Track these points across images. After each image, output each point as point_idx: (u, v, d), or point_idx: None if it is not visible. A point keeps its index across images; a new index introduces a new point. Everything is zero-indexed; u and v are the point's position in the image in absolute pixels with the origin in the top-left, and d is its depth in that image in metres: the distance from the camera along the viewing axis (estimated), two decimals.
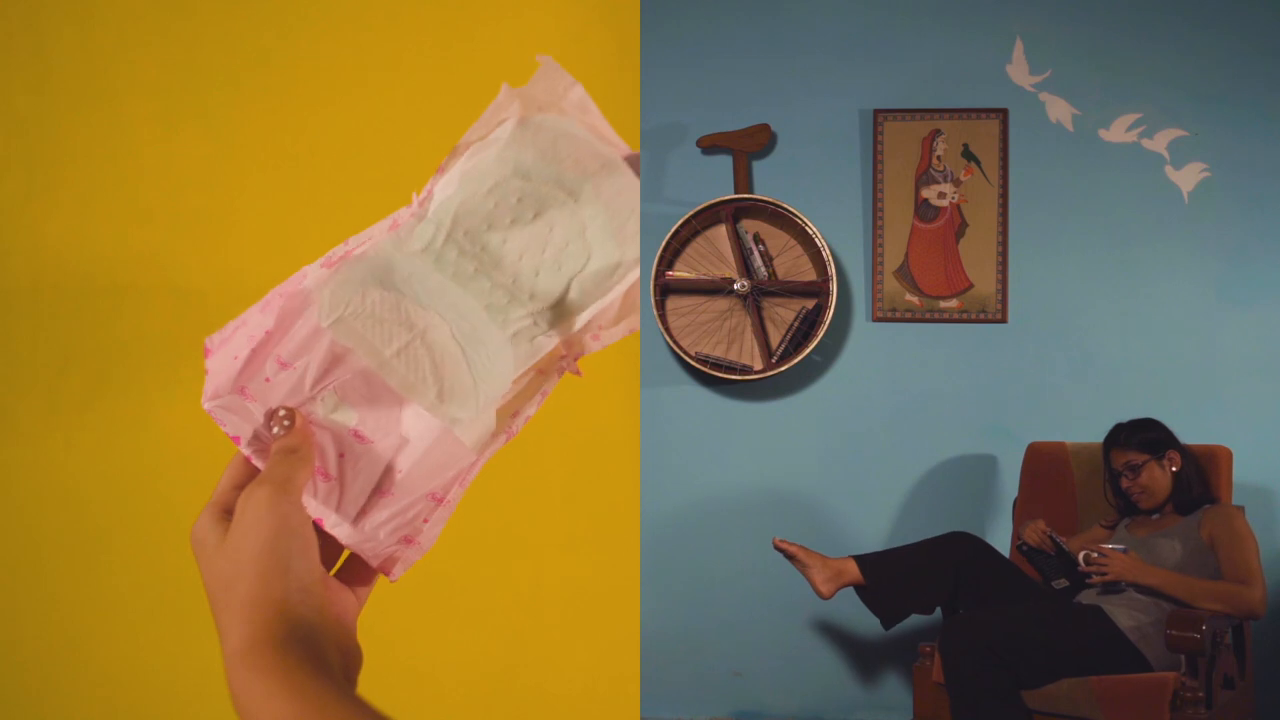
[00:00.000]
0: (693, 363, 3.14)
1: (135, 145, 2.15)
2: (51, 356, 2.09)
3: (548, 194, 0.90)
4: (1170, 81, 3.16)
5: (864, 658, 3.25)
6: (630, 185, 0.90)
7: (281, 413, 0.87)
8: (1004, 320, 3.20)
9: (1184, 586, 2.45)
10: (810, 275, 3.19)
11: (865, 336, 3.24)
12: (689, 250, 3.21)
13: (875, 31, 3.24)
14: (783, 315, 3.21)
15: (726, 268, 3.20)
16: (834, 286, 3.10)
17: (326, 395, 0.89)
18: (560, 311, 0.92)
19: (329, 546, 0.92)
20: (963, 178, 3.20)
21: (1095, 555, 2.51)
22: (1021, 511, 2.95)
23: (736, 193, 3.18)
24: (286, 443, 0.87)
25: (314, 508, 0.90)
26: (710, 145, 3.21)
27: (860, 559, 2.65)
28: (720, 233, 3.21)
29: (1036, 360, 3.20)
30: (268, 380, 0.90)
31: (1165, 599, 2.46)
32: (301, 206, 2.16)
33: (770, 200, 3.13)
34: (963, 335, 3.21)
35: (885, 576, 2.63)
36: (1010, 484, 3.13)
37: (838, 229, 3.21)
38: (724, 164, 3.22)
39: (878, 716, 3.21)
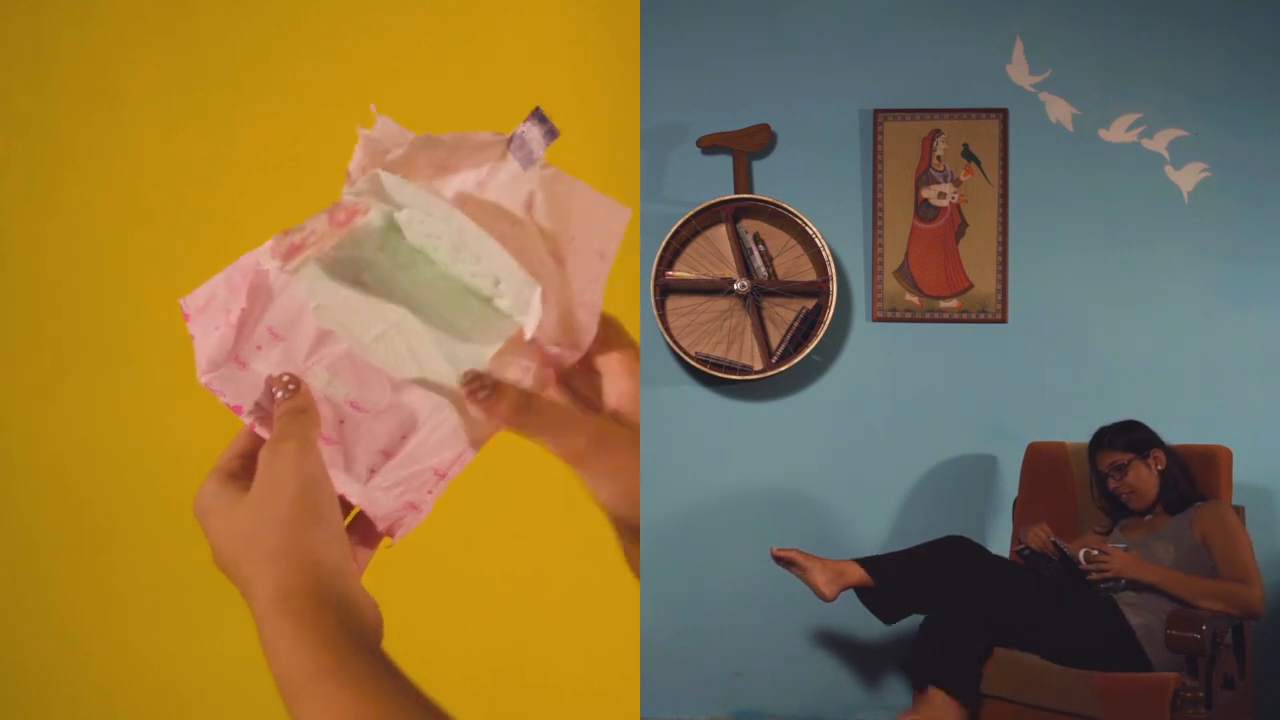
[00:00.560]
0: (693, 363, 3.14)
1: (135, 145, 2.15)
2: (52, 356, 2.09)
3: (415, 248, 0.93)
4: (1170, 81, 3.16)
5: (864, 658, 3.25)
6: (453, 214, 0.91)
7: (285, 378, 0.89)
8: (1004, 320, 3.20)
9: (1184, 585, 2.45)
10: (810, 275, 3.19)
11: (865, 336, 3.24)
12: (689, 250, 3.21)
13: (875, 31, 3.24)
14: (783, 315, 3.21)
15: (726, 268, 3.21)
16: (834, 286, 3.10)
17: (318, 370, 0.91)
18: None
19: None
20: (963, 178, 3.20)
21: (1096, 553, 2.51)
22: (1021, 512, 2.95)
23: (736, 193, 3.18)
24: (294, 404, 0.88)
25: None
26: (710, 145, 3.21)
27: (863, 561, 2.65)
28: (720, 233, 3.21)
29: (1036, 360, 3.20)
30: (260, 349, 0.92)
31: (1164, 597, 2.46)
32: (302, 207, 2.14)
33: (770, 200, 3.13)
34: (963, 335, 3.21)
35: (890, 575, 2.63)
36: (1010, 484, 3.13)
37: (838, 229, 3.21)
38: (724, 164, 3.22)
39: (878, 717, 3.21)
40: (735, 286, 3.14)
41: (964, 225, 3.19)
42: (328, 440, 0.92)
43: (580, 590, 1.95)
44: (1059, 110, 3.19)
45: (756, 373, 3.15)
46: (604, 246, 0.93)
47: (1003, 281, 3.19)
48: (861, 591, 2.65)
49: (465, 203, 0.91)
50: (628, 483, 0.88)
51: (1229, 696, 2.45)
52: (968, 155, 3.20)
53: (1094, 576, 2.50)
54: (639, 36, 3.23)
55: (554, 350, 0.93)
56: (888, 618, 2.64)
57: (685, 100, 3.24)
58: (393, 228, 0.92)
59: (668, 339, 3.13)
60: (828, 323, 3.10)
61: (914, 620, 2.87)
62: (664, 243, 3.11)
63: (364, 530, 0.93)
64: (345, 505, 0.93)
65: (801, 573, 2.64)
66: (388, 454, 0.92)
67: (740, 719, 3.26)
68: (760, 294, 3.18)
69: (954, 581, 2.52)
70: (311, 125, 2.00)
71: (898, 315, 3.22)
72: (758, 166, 3.23)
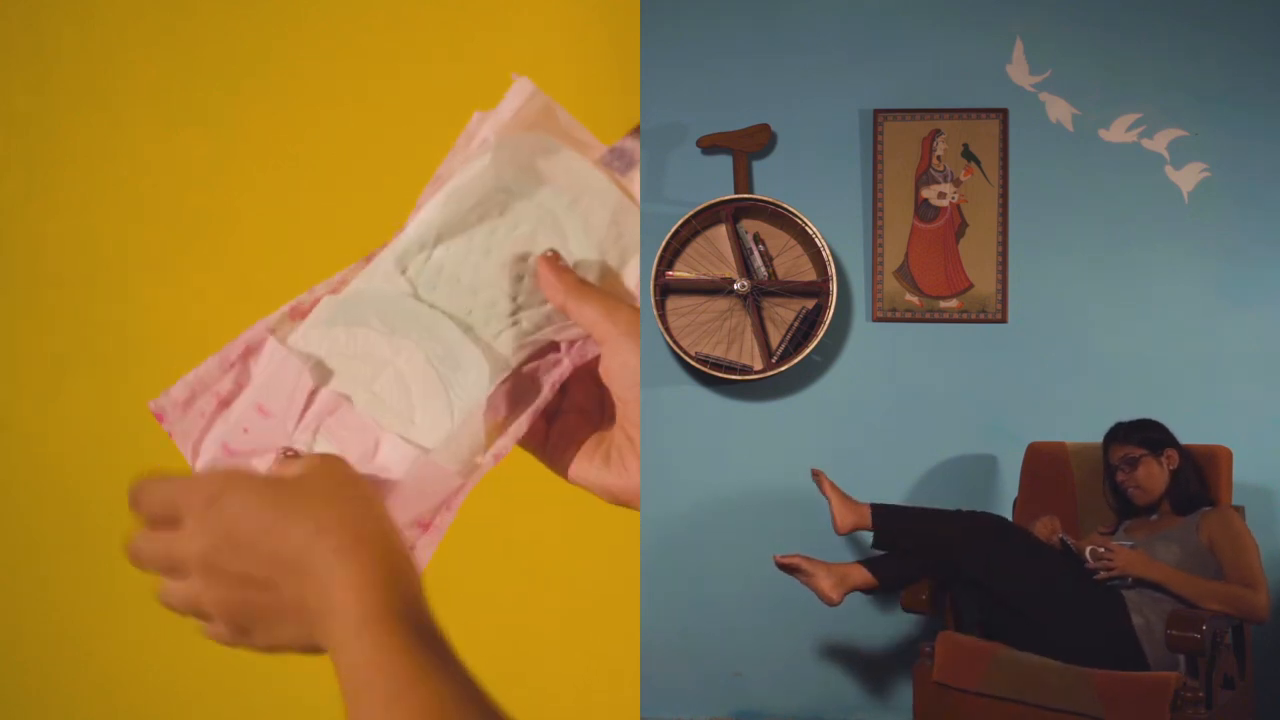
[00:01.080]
0: (693, 363, 3.14)
1: (135, 145, 2.15)
2: (52, 356, 2.09)
3: (529, 207, 0.93)
4: (1170, 81, 3.16)
5: (864, 658, 3.25)
6: (606, 193, 0.93)
7: (289, 453, 0.90)
8: (1004, 320, 3.20)
9: (1189, 585, 2.45)
10: (810, 275, 3.19)
11: (865, 336, 3.24)
12: (689, 250, 3.21)
13: (875, 31, 3.24)
14: (783, 315, 3.21)
15: (726, 268, 3.21)
16: (834, 286, 3.10)
17: (303, 436, 0.92)
18: (549, 314, 0.94)
19: None
20: (963, 178, 3.20)
21: (1101, 550, 2.51)
22: (1021, 511, 2.95)
23: (736, 193, 3.18)
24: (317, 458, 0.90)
25: None
26: (710, 145, 3.21)
27: (866, 561, 2.64)
28: (720, 233, 3.21)
29: (1036, 360, 3.20)
30: (246, 430, 0.92)
31: (1169, 596, 2.46)
32: (302, 207, 2.15)
33: (770, 200, 3.13)
34: (963, 335, 3.21)
35: (893, 575, 2.62)
36: (1010, 484, 3.13)
37: (838, 229, 3.21)
38: (724, 164, 3.22)
39: (878, 717, 3.21)
40: (735, 286, 3.15)
41: (964, 225, 3.19)
42: None
43: (580, 590, 1.95)
44: (1059, 110, 3.19)
45: (756, 373, 3.15)
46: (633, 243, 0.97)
47: (1003, 281, 3.19)
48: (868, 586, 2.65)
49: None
50: (635, 364, 0.91)
51: (1229, 696, 2.45)
52: (968, 155, 3.20)
53: (1100, 575, 2.50)
54: (639, 36, 3.23)
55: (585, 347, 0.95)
56: (886, 581, 2.65)
57: (685, 100, 3.24)
58: (420, 246, 0.92)
59: (668, 339, 3.13)
60: (828, 323, 3.10)
61: (914, 620, 2.87)
62: (664, 243, 3.11)
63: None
64: None
65: (806, 579, 2.63)
66: None
67: (740, 719, 3.26)
68: (760, 294, 3.18)
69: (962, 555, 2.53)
70: (312, 125, 2.00)
71: (898, 315, 3.22)
72: (758, 166, 3.23)
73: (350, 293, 0.92)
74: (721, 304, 3.21)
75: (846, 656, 3.25)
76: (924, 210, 3.20)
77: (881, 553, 2.67)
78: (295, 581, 0.80)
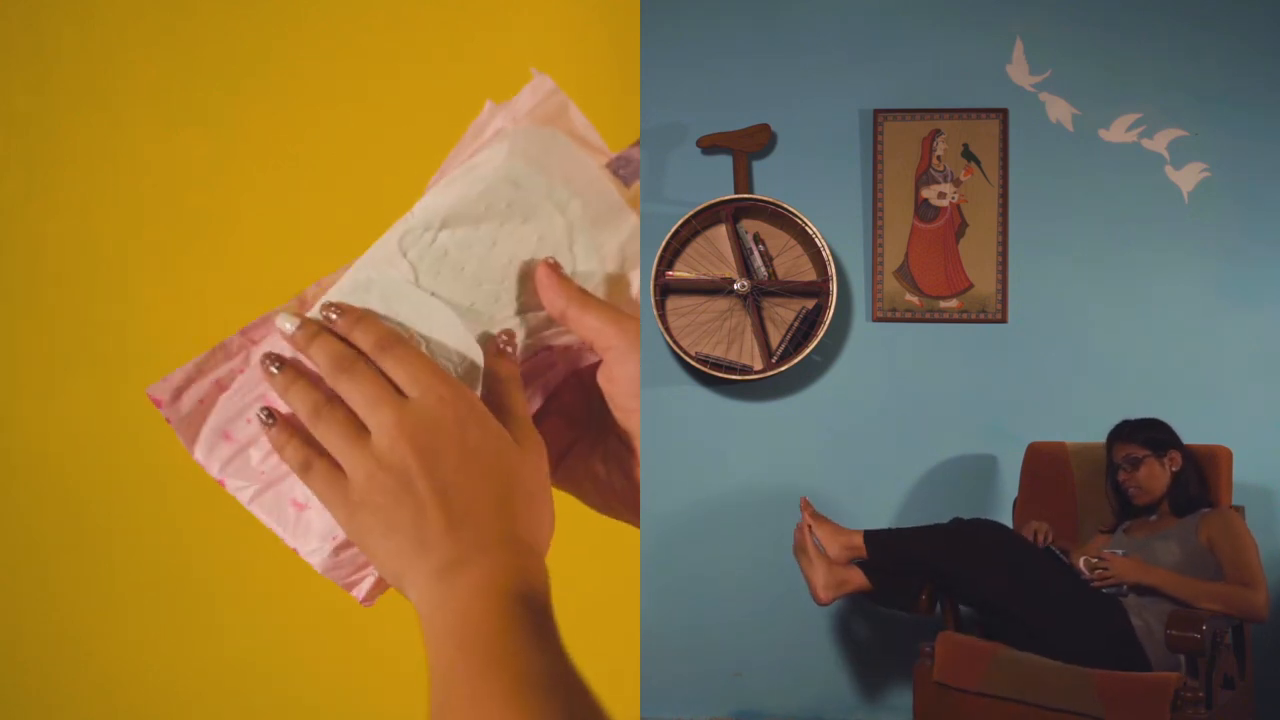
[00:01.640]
0: (693, 363, 3.14)
1: (135, 145, 2.14)
2: (52, 356, 2.08)
3: (537, 204, 0.91)
4: (1170, 81, 3.16)
5: (864, 658, 3.25)
6: (621, 210, 0.93)
7: (271, 358, 0.88)
8: (1004, 320, 3.20)
9: (1186, 587, 2.45)
10: (810, 275, 3.19)
11: (865, 336, 3.24)
12: (689, 250, 3.21)
13: (875, 31, 3.24)
14: (783, 315, 3.21)
15: (726, 268, 3.20)
16: (834, 286, 3.10)
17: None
18: (547, 318, 0.93)
19: None
20: (963, 178, 3.20)
21: (1095, 560, 2.51)
22: (1021, 511, 2.95)
23: (736, 193, 3.18)
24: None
25: (290, 537, 0.91)
26: (710, 145, 3.21)
27: (865, 566, 2.63)
28: (720, 233, 3.21)
29: (1036, 360, 3.20)
30: (249, 421, 0.91)
31: (1167, 599, 2.46)
32: (302, 207, 2.15)
33: (770, 200, 3.13)
34: (963, 335, 3.21)
35: (890, 584, 2.62)
36: (1010, 484, 3.13)
37: (838, 229, 3.21)
38: (724, 164, 3.22)
39: (878, 716, 3.21)
40: (735, 286, 3.14)
41: (964, 225, 3.19)
42: (299, 506, 0.90)
43: (580, 589, 1.94)
44: (1059, 110, 3.19)
45: (756, 373, 3.15)
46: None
47: (1003, 281, 3.19)
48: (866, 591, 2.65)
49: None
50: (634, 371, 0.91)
51: (1229, 696, 2.45)
52: (968, 155, 3.20)
53: (1096, 584, 2.50)
54: (639, 36, 3.23)
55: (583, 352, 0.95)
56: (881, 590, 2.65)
57: (685, 100, 3.24)
58: (424, 229, 0.91)
59: (668, 339, 3.12)
60: (828, 323, 3.10)
61: (914, 620, 2.87)
62: (664, 243, 3.11)
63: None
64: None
65: (806, 565, 2.63)
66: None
67: (740, 718, 3.26)
68: (760, 294, 3.18)
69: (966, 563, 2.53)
70: (312, 125, 2.00)
71: (898, 315, 3.21)
72: (758, 166, 3.23)
73: (353, 276, 0.90)
74: (721, 304, 3.21)
75: (846, 656, 3.25)
76: (924, 210, 3.20)
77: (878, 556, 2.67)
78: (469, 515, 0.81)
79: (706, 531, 3.27)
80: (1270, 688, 2.90)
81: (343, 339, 0.85)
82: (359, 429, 0.82)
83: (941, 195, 3.20)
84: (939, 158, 3.20)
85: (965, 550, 2.55)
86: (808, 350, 3.11)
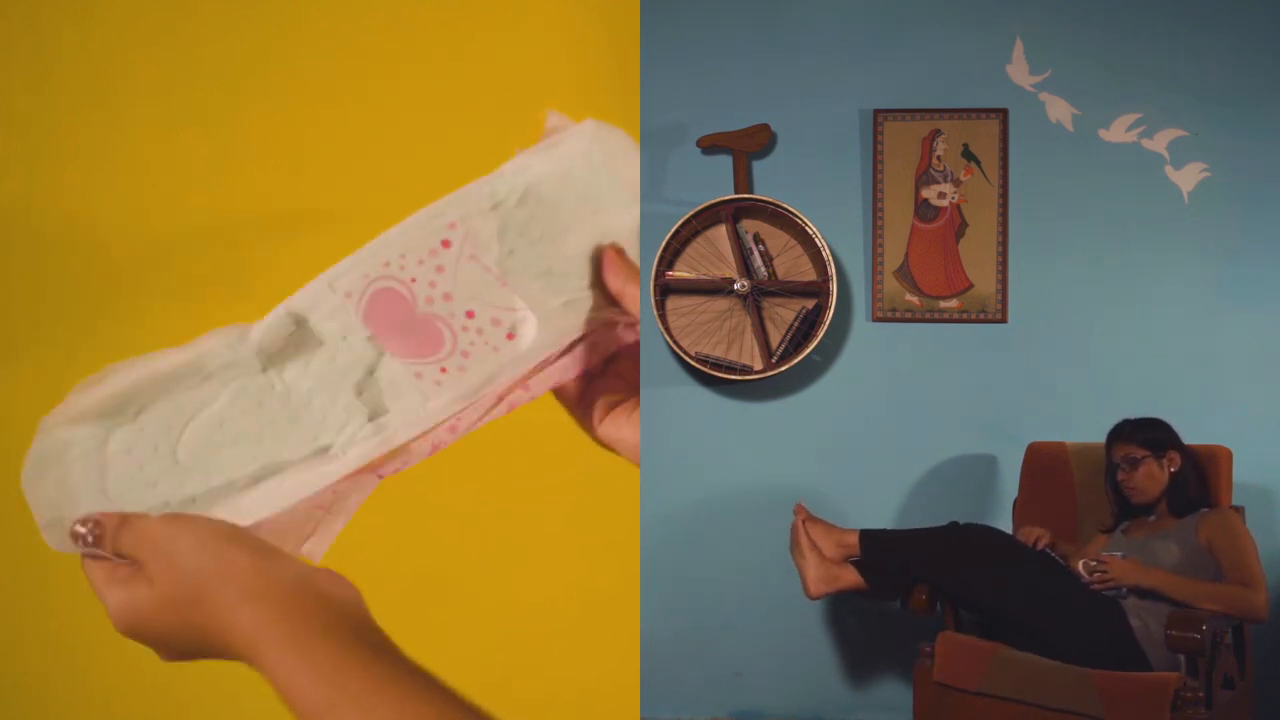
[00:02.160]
0: (693, 363, 3.14)
1: (135, 145, 2.14)
2: (52, 356, 2.08)
3: (606, 194, 1.01)
4: (1170, 81, 3.16)
5: (864, 658, 3.25)
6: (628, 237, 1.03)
7: (84, 527, 0.93)
8: (1004, 320, 3.20)
9: (1185, 588, 2.45)
10: (810, 275, 3.19)
11: (865, 336, 3.24)
12: (689, 250, 3.21)
13: (875, 31, 3.23)
14: (783, 315, 3.21)
15: (726, 268, 3.20)
16: (834, 286, 3.10)
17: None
18: (605, 295, 1.02)
19: None
20: (963, 178, 3.20)
21: (1094, 564, 2.51)
22: (1022, 511, 2.95)
23: (736, 193, 3.18)
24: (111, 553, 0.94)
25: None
26: (710, 145, 3.21)
27: (859, 565, 2.63)
28: (720, 233, 3.21)
29: (1036, 360, 3.20)
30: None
31: (1166, 601, 2.46)
32: (303, 207, 2.14)
33: (770, 200, 3.13)
34: (963, 335, 3.21)
35: (885, 583, 2.62)
36: (1010, 484, 3.13)
37: (838, 229, 3.21)
38: (724, 164, 3.22)
39: (878, 716, 3.21)
40: (735, 286, 3.14)
41: (964, 225, 3.19)
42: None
43: (580, 590, 1.95)
44: (1059, 110, 3.19)
45: (756, 373, 3.15)
46: None
47: (1003, 281, 3.19)
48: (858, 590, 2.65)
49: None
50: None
51: (1229, 696, 2.45)
52: (968, 155, 3.20)
53: (1096, 587, 2.50)
54: (639, 36, 3.23)
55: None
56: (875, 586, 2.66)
57: (685, 100, 3.24)
58: (510, 191, 0.99)
59: (668, 339, 3.12)
60: (828, 323, 3.10)
61: (914, 620, 2.87)
62: (664, 243, 3.11)
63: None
64: None
65: (801, 560, 2.63)
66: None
67: (740, 719, 3.26)
68: (760, 294, 3.17)
69: (963, 564, 2.53)
70: (312, 125, 2.00)
71: (898, 315, 3.21)
72: (758, 166, 3.23)
73: (452, 207, 0.99)
74: (721, 304, 3.21)
75: (846, 656, 3.25)
76: (924, 210, 3.20)
77: (874, 555, 2.67)
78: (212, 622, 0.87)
79: (707, 532, 3.27)
80: (1270, 688, 2.90)
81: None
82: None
83: (941, 195, 3.20)
84: (939, 158, 3.20)
85: (961, 555, 2.56)
86: (808, 350, 3.11)
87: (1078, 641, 2.44)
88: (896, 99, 3.21)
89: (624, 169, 1.01)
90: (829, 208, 3.20)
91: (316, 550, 0.99)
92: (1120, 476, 2.69)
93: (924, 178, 3.20)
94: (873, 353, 3.24)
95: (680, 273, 3.19)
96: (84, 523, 0.92)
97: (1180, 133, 3.16)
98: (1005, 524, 3.05)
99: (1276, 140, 3.14)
